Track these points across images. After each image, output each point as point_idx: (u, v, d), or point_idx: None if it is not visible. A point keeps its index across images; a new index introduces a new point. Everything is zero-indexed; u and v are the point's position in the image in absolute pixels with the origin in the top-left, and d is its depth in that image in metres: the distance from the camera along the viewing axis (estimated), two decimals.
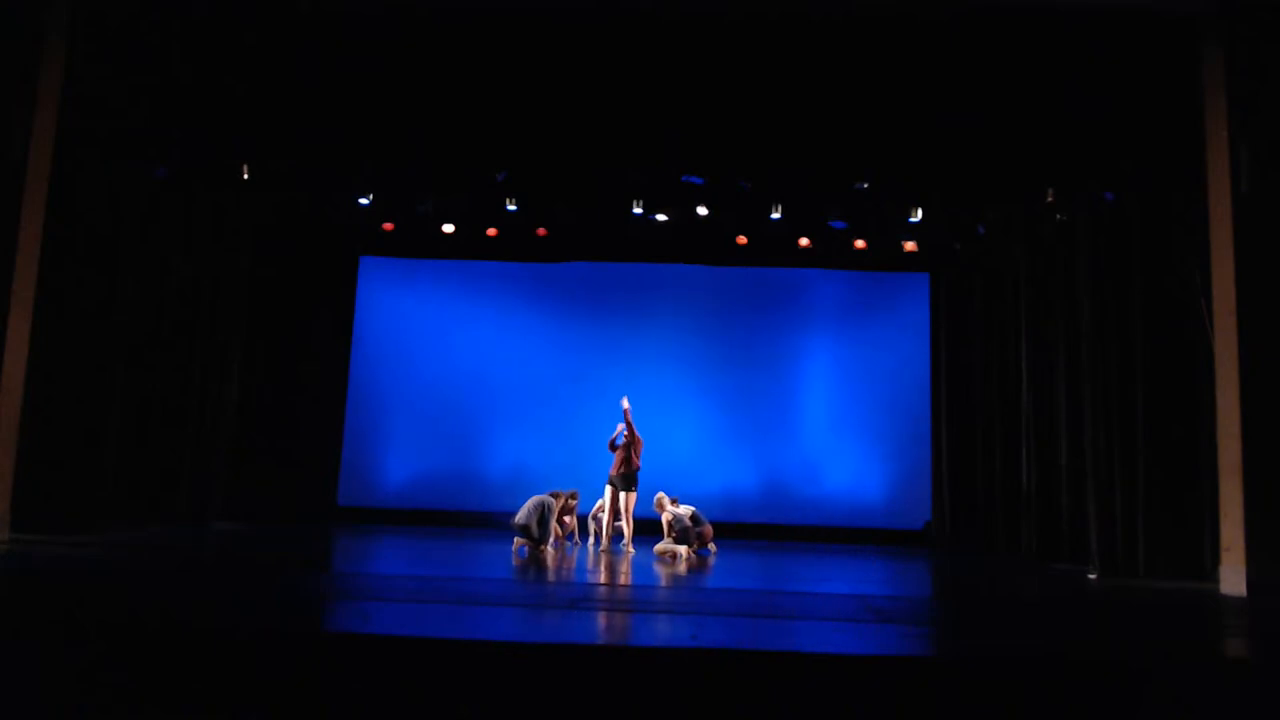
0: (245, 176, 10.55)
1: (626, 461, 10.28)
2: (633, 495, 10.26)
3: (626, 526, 10.27)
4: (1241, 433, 7.99)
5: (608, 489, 10.43)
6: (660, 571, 8.51)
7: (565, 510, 10.40)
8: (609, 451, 10.47)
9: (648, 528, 10.80)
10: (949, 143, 9.53)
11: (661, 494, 10.31)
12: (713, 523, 10.47)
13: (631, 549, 10.14)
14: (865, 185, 10.62)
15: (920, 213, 11.09)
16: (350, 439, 13.38)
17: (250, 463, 12.29)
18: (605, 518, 10.52)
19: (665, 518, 10.12)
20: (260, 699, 4.12)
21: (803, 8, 8.61)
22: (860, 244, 12.49)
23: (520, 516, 9.69)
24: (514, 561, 9.42)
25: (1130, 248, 9.21)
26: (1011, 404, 11.50)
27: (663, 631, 5.39)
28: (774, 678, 4.22)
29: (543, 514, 9.68)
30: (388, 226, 12.71)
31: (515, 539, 9.76)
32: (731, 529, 11.92)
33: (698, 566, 8.99)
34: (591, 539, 10.88)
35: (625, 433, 10.29)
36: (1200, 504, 8.63)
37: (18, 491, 8.45)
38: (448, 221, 12.42)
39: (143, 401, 10.40)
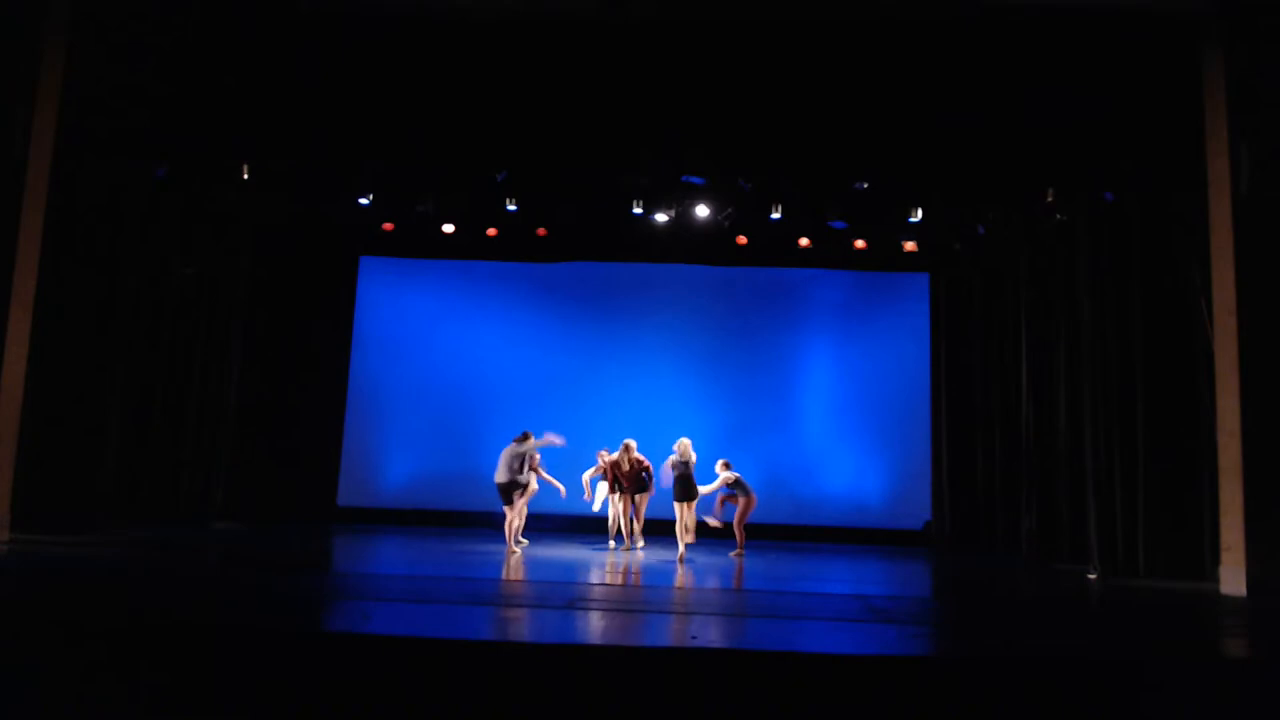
0: (245, 176, 10.54)
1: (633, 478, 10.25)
2: (645, 496, 10.24)
3: (637, 524, 10.28)
4: (1241, 433, 7.99)
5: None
6: (661, 571, 8.50)
7: (532, 450, 9.97)
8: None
9: (657, 528, 10.82)
10: (949, 143, 9.51)
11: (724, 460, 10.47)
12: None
13: (640, 547, 10.14)
14: (865, 185, 10.61)
15: (920, 213, 11.07)
16: (350, 439, 13.37)
17: (250, 463, 12.27)
18: (617, 513, 10.51)
19: (722, 479, 10.25)
20: (260, 699, 4.12)
21: (803, 8, 8.61)
22: (860, 244, 12.48)
23: (500, 475, 9.56)
24: (514, 547, 9.43)
25: (1130, 248, 9.21)
26: (1011, 404, 11.50)
27: (663, 631, 5.39)
28: (774, 678, 4.22)
29: (522, 461, 9.59)
30: (388, 226, 12.70)
31: (509, 546, 9.63)
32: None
33: (698, 567, 8.99)
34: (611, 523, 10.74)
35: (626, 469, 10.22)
36: (1200, 504, 8.63)
37: (18, 491, 8.46)
38: (448, 221, 12.40)
39: (143, 402, 10.40)
